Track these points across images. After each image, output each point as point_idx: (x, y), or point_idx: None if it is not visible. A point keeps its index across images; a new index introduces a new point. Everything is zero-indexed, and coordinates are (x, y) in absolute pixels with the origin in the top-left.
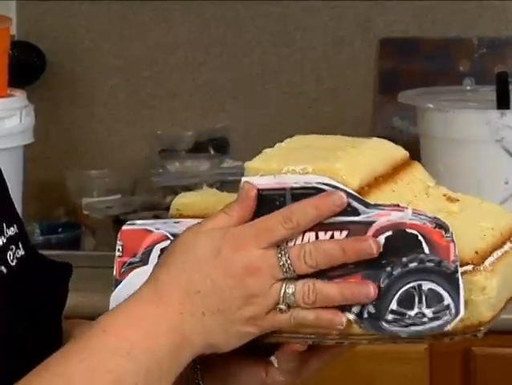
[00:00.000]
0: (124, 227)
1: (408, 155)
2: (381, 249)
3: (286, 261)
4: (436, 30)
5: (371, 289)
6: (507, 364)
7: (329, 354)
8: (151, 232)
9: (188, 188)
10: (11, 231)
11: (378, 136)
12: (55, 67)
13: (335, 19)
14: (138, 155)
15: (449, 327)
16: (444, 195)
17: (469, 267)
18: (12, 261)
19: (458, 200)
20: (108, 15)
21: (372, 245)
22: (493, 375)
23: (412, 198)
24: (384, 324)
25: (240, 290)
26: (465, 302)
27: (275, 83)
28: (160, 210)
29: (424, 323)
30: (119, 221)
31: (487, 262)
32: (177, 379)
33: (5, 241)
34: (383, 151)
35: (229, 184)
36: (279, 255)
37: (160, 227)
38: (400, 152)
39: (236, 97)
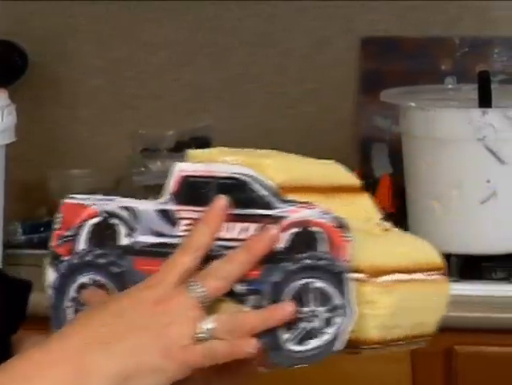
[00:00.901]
0: (65, 200)
1: (359, 184)
2: (284, 245)
3: (201, 290)
4: (418, 30)
5: (290, 309)
6: (489, 363)
7: (243, 376)
8: (86, 207)
9: None
10: None
11: (360, 136)
12: (38, 67)
13: (317, 19)
14: (120, 154)
15: (345, 330)
16: (378, 224)
17: (362, 276)
18: None
19: (388, 230)
20: (91, 15)
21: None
22: (475, 374)
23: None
24: (285, 345)
25: (148, 319)
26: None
27: (258, 83)
28: None
29: (320, 332)
30: None
31: (383, 278)
32: None
33: None
34: (328, 169)
35: None
36: (191, 286)
37: (95, 203)
38: (350, 179)
39: (219, 97)
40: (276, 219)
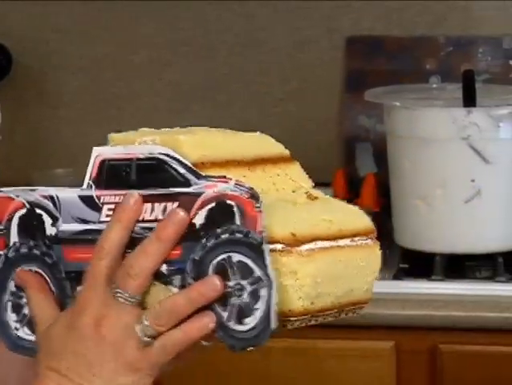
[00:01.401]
0: None
1: (288, 154)
2: (202, 221)
3: (123, 293)
4: (403, 29)
5: (216, 282)
6: (474, 361)
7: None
8: (12, 199)
9: None
10: None
11: (345, 135)
12: (21, 67)
13: (301, 19)
14: None
15: (272, 305)
16: (306, 192)
17: (279, 246)
18: None
19: (317, 198)
20: (74, 15)
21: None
22: (459, 372)
23: (268, 189)
24: (228, 324)
25: (100, 344)
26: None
27: (242, 82)
28: None
29: (251, 308)
30: None
31: (304, 247)
32: None
33: None
34: (254, 141)
35: None
36: (115, 292)
37: (19, 194)
38: (277, 149)
39: (202, 97)
40: (194, 196)
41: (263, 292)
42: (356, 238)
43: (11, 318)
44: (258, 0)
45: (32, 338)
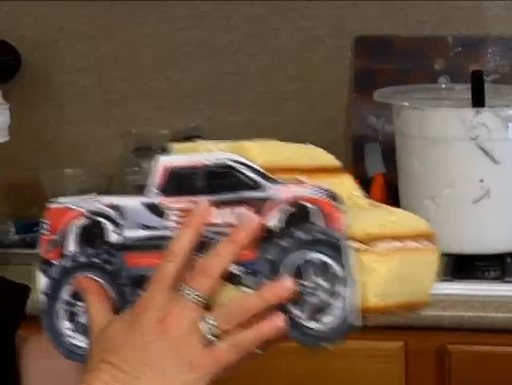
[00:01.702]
0: (49, 205)
1: (340, 165)
2: (278, 223)
3: (193, 292)
4: (411, 29)
5: (288, 282)
6: (482, 362)
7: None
8: (71, 209)
9: None
10: None
11: (353, 135)
12: (29, 67)
13: (309, 18)
14: (111, 153)
15: (353, 301)
16: (365, 201)
17: (359, 245)
18: None
19: (377, 205)
20: (81, 15)
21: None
22: (468, 373)
23: None
24: (302, 322)
25: (161, 340)
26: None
27: (250, 82)
28: None
29: (329, 306)
30: None
31: (380, 246)
32: None
33: None
34: (309, 151)
35: None
36: (182, 291)
37: (79, 204)
38: (330, 160)
39: (210, 96)
40: (267, 199)
41: (342, 290)
42: (420, 240)
43: (65, 326)
44: (266, 0)
45: (87, 345)
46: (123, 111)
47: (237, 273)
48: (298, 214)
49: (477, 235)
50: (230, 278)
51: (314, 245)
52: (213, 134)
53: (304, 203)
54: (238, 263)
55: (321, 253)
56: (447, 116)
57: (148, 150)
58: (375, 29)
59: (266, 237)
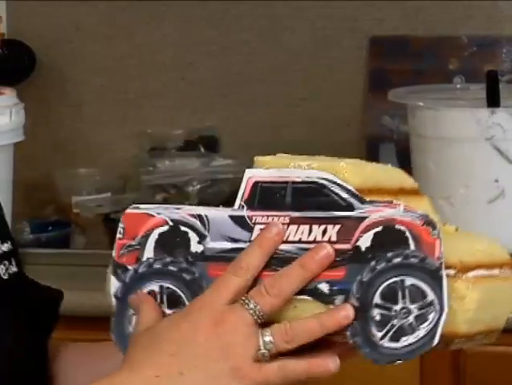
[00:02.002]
0: (128, 210)
1: (417, 187)
2: (368, 245)
3: (255, 306)
4: (426, 29)
5: (348, 312)
6: (497, 362)
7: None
8: (152, 216)
9: (177, 187)
10: (5, 247)
11: (368, 135)
12: (44, 66)
13: (323, 18)
14: (127, 153)
15: (440, 325)
16: (444, 224)
17: (452, 272)
18: (4, 275)
19: (457, 230)
20: (97, 15)
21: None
22: (483, 373)
23: None
24: (380, 342)
25: (212, 342)
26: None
27: (264, 81)
28: None
29: (414, 329)
30: (109, 220)
31: (471, 274)
32: None
33: None
34: (391, 171)
35: (218, 182)
36: (245, 303)
37: (161, 212)
38: (409, 181)
39: (225, 96)
40: (357, 219)
41: (431, 316)
42: (502, 268)
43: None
44: (281, 0)
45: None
46: (139, 111)
47: (326, 291)
48: (389, 236)
49: (492, 235)
50: (319, 296)
51: (408, 269)
52: (228, 134)
53: (396, 225)
54: (328, 282)
55: (416, 278)
56: (462, 116)
57: (163, 150)
58: (391, 29)
59: (356, 256)
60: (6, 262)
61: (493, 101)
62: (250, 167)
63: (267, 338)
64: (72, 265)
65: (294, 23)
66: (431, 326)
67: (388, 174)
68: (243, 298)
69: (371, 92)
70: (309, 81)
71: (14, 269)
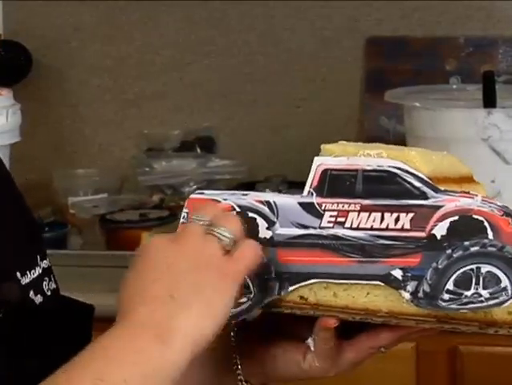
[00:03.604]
0: (192, 195)
1: (471, 173)
2: (444, 233)
3: (200, 216)
4: (423, 30)
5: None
6: (493, 362)
7: (367, 350)
8: (218, 202)
9: (174, 187)
10: (45, 264)
11: (365, 135)
12: (42, 67)
13: (322, 19)
14: (125, 154)
15: (506, 304)
16: None
17: None
18: (48, 291)
19: None
20: (95, 15)
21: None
22: (479, 374)
23: None
24: (440, 302)
25: (180, 256)
26: None
27: (262, 82)
28: (146, 209)
29: (482, 302)
30: (105, 220)
31: None
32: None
33: (40, 271)
34: (450, 159)
35: (215, 182)
36: (193, 219)
37: (227, 198)
38: (466, 168)
39: (223, 96)
40: (432, 208)
41: (502, 298)
42: None
43: None
44: (280, 0)
45: None
46: (138, 111)
47: (399, 277)
48: (466, 225)
49: None
50: (391, 281)
51: (485, 257)
52: (225, 135)
53: (472, 215)
54: (401, 268)
55: (492, 265)
56: (458, 117)
57: (160, 151)
58: (389, 30)
59: (431, 244)
60: (47, 278)
61: (489, 102)
62: (247, 166)
63: (219, 231)
64: (69, 265)
65: (294, 24)
66: (498, 301)
67: (449, 162)
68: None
69: (369, 92)
70: (307, 81)
71: (53, 285)
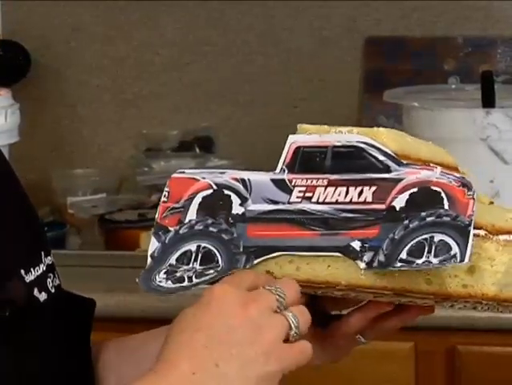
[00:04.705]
0: (174, 175)
1: (457, 164)
2: (403, 205)
3: (279, 290)
4: (422, 29)
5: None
6: (492, 362)
7: (341, 336)
8: (197, 180)
9: None
10: (48, 260)
11: None
12: (41, 67)
13: (321, 19)
14: (123, 154)
15: (450, 264)
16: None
17: (482, 232)
18: (52, 288)
19: (491, 203)
20: (94, 15)
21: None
22: (477, 373)
23: None
24: (390, 268)
25: (245, 326)
26: (473, 266)
27: (261, 82)
28: (145, 209)
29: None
30: (104, 220)
31: (502, 237)
32: None
33: (44, 268)
34: (433, 147)
35: None
36: (270, 289)
37: (205, 176)
38: (450, 158)
39: (222, 96)
40: (393, 181)
41: (451, 264)
42: None
43: (161, 276)
44: (279, 0)
45: (171, 285)
46: (137, 111)
47: (357, 248)
48: (424, 197)
49: None
50: (349, 252)
51: (439, 227)
52: (224, 134)
53: (432, 187)
54: (360, 240)
55: (445, 234)
56: (457, 117)
57: (158, 151)
58: (388, 30)
59: (390, 215)
60: (51, 275)
61: (488, 101)
62: (245, 167)
63: (293, 318)
64: (67, 265)
65: (293, 24)
66: (444, 264)
67: (429, 148)
68: (271, 287)
69: (368, 92)
70: (306, 81)
71: (57, 281)
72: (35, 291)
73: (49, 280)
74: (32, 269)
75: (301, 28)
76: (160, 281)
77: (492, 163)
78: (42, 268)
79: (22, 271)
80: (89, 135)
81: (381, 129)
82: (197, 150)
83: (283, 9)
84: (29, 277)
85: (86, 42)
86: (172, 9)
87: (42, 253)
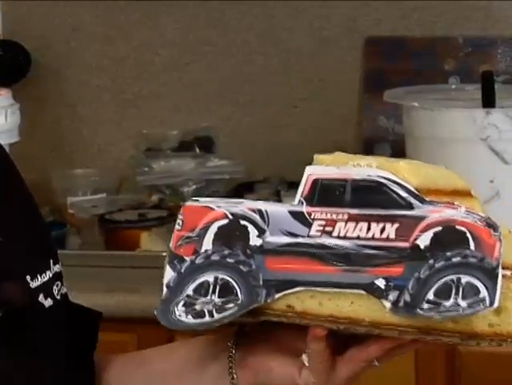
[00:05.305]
0: (188, 203)
1: (470, 189)
2: (427, 243)
3: None
4: (422, 29)
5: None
6: (491, 362)
7: (358, 364)
8: (212, 209)
9: (173, 187)
10: (57, 268)
11: (364, 135)
12: (41, 67)
13: (321, 19)
14: (123, 154)
15: (480, 312)
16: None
17: (508, 272)
18: (57, 295)
19: (510, 232)
20: (94, 15)
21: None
22: (477, 373)
23: None
24: (418, 311)
25: None
26: (500, 307)
27: (261, 82)
28: (145, 209)
29: (459, 311)
30: (104, 220)
31: None
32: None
33: (51, 275)
34: (445, 173)
35: (214, 182)
36: None
37: (221, 205)
38: (462, 182)
39: (222, 96)
40: (417, 218)
41: (479, 308)
42: None
43: (180, 309)
44: (279, 0)
45: (192, 321)
46: (137, 111)
47: (382, 286)
48: (449, 236)
49: None
50: (373, 290)
51: (466, 268)
52: (224, 134)
53: (457, 226)
54: (385, 278)
55: (472, 276)
56: (457, 117)
57: (158, 151)
58: (388, 30)
59: (415, 254)
60: (58, 283)
61: (488, 101)
62: (243, 166)
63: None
64: (67, 265)
65: (293, 24)
66: (474, 311)
67: (442, 175)
68: None
69: (368, 92)
70: (306, 81)
71: (64, 290)
72: (40, 297)
73: (55, 287)
74: (39, 276)
75: (301, 28)
76: (179, 315)
77: (492, 163)
78: (49, 275)
79: (28, 277)
80: (89, 135)
81: (401, 163)
82: (197, 150)
83: (283, 9)
84: (34, 283)
85: (86, 42)
86: (172, 9)
87: (51, 260)
